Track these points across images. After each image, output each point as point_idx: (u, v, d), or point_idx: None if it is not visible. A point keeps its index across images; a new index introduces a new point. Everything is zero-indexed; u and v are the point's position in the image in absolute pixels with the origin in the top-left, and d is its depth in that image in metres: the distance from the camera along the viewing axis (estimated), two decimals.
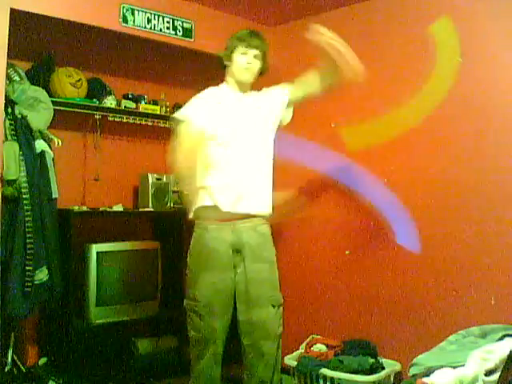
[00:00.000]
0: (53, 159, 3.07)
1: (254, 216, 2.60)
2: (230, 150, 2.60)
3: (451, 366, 1.99)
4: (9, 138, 2.84)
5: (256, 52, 2.61)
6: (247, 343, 2.62)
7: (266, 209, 2.65)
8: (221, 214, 2.55)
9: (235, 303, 2.62)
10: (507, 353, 1.81)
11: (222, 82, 2.71)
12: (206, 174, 2.58)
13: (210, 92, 2.69)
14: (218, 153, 2.59)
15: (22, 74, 3.07)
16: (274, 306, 2.61)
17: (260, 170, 2.64)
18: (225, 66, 2.67)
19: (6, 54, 2.73)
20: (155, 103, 3.79)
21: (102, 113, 3.49)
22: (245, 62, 2.60)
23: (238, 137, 2.62)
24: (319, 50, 2.46)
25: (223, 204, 2.55)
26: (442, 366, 2.02)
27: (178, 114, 2.62)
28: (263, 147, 2.68)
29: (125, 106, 3.61)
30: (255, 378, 2.62)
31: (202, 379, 2.62)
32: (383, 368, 3.14)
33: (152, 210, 3.63)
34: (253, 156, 2.63)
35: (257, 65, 2.63)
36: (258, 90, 2.76)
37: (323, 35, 2.43)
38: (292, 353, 3.46)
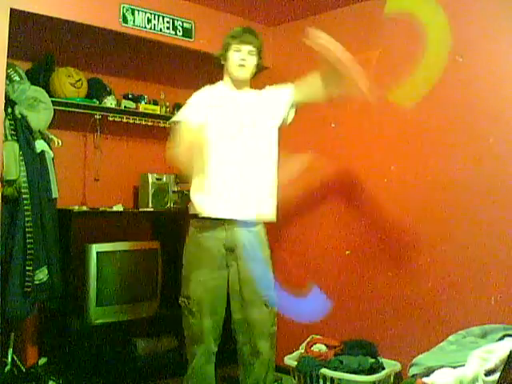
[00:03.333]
0: (53, 159, 3.07)
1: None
2: (227, 150, 2.59)
3: (451, 366, 1.99)
4: (9, 138, 2.84)
5: (250, 48, 2.61)
6: (242, 342, 2.63)
7: (268, 214, 2.64)
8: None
9: (229, 302, 2.64)
10: (507, 353, 1.81)
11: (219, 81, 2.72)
12: (202, 177, 2.59)
13: (205, 91, 2.68)
14: (214, 154, 2.58)
15: (22, 74, 3.06)
16: (267, 306, 2.60)
17: (261, 171, 2.62)
18: (222, 66, 2.68)
19: (6, 54, 2.73)
20: (155, 103, 3.79)
21: (102, 113, 3.49)
22: (238, 58, 2.59)
23: (236, 136, 2.61)
24: (318, 56, 2.44)
25: (218, 211, 2.56)
26: (442, 366, 2.02)
27: (175, 117, 2.65)
28: (264, 147, 2.66)
29: (125, 106, 3.61)
30: (251, 376, 2.63)
31: (194, 377, 2.64)
32: (383, 368, 3.14)
33: (152, 210, 3.63)
34: (252, 157, 2.61)
35: (251, 61, 2.62)
36: (259, 89, 2.76)
37: (321, 39, 2.41)
38: (292, 353, 3.46)
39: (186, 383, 2.67)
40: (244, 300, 2.59)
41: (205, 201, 2.58)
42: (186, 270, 2.64)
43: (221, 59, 2.67)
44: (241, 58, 2.59)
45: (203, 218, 2.59)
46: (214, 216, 2.56)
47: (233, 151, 2.59)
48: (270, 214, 2.67)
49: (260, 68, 2.71)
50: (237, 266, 2.58)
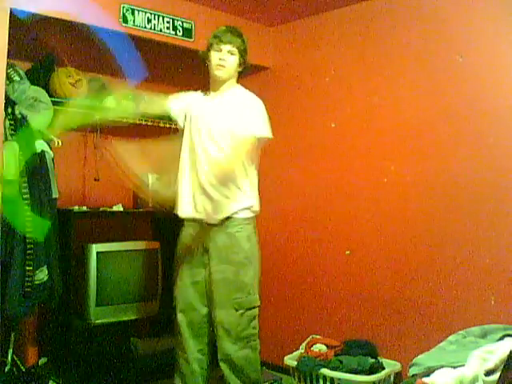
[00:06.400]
0: (53, 159, 3.07)
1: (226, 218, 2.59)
2: (190, 152, 2.65)
3: (451, 366, 1.99)
4: (9, 138, 2.84)
5: (230, 48, 2.60)
6: (217, 342, 2.64)
7: (235, 211, 2.60)
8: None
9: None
10: (507, 353, 1.81)
11: None
12: (179, 179, 2.69)
13: (195, 93, 2.81)
14: (182, 155, 2.68)
15: (22, 74, 3.06)
16: (237, 309, 2.56)
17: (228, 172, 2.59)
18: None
19: (6, 54, 2.73)
20: None
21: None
22: (217, 57, 2.61)
23: (203, 139, 2.63)
24: None
25: (185, 212, 2.64)
26: (442, 366, 2.01)
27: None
28: (221, 149, 2.60)
29: None
30: (226, 378, 2.63)
31: (180, 373, 2.69)
32: (383, 368, 3.14)
33: (152, 210, 3.63)
34: (210, 158, 2.60)
35: (231, 61, 2.62)
36: (247, 91, 2.75)
37: None
38: (292, 353, 3.47)
39: (176, 379, 2.73)
40: (213, 301, 2.59)
41: (179, 201, 2.66)
42: (174, 267, 2.74)
43: (204, 58, 2.68)
44: (220, 58, 2.60)
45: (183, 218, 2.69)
46: (183, 216, 2.66)
47: (195, 153, 2.63)
48: (233, 212, 2.60)
49: (245, 67, 2.70)
50: (209, 266, 2.60)
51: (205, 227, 2.61)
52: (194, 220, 2.64)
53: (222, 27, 2.68)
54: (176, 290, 2.69)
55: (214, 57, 2.61)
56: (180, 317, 2.66)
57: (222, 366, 2.60)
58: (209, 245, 2.59)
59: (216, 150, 2.59)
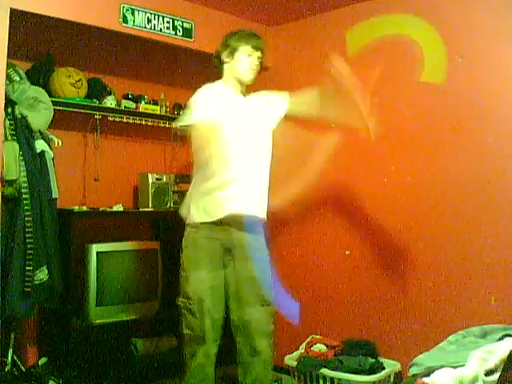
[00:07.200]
0: (53, 159, 3.07)
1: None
2: (228, 152, 2.60)
3: (451, 366, 1.99)
4: (9, 138, 2.84)
5: (259, 54, 2.67)
6: (241, 341, 2.63)
7: (260, 212, 2.66)
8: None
9: (227, 302, 2.64)
10: (507, 353, 1.81)
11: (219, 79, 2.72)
12: (202, 178, 2.62)
13: (209, 89, 2.61)
14: (217, 155, 2.59)
15: (22, 74, 3.07)
16: (263, 305, 2.61)
17: (257, 172, 2.67)
18: (221, 63, 2.68)
19: (6, 54, 2.73)
20: (155, 103, 3.79)
21: (102, 113, 3.49)
22: (251, 63, 2.65)
23: (238, 139, 2.62)
24: (330, 78, 2.57)
25: (215, 212, 2.58)
26: (442, 366, 2.01)
27: (189, 120, 2.53)
28: (264, 150, 2.71)
29: (125, 106, 3.61)
30: (251, 375, 2.62)
31: (195, 378, 2.63)
32: (383, 368, 3.14)
33: (152, 210, 3.64)
34: (255, 159, 2.66)
35: (259, 66, 2.70)
36: (254, 90, 2.79)
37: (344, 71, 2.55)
38: (292, 353, 3.46)
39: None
40: (241, 300, 2.60)
41: (207, 204, 2.59)
42: (185, 270, 2.62)
43: (222, 58, 2.66)
44: (254, 63, 2.66)
45: (201, 218, 2.60)
46: (217, 218, 2.56)
47: (238, 153, 2.60)
48: (265, 213, 2.71)
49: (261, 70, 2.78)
50: (234, 265, 2.60)
51: (224, 227, 2.58)
52: (217, 220, 2.58)
53: (247, 31, 2.73)
54: (195, 295, 2.58)
55: (246, 61, 2.64)
56: (207, 323, 2.58)
57: (256, 362, 2.61)
58: (231, 244, 2.59)
59: (260, 149, 2.68)
